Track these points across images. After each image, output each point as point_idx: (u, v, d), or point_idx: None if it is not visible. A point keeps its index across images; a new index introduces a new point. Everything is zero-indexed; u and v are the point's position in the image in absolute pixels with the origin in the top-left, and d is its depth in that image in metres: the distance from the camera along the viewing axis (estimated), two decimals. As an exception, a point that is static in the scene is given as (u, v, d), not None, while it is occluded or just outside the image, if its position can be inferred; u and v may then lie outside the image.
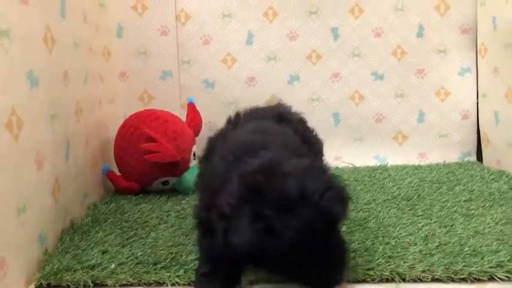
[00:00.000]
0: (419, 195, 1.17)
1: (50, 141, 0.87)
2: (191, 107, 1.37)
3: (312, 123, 1.08)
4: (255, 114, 1.04)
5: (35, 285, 0.76)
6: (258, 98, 1.53)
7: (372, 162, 1.56)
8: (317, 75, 1.56)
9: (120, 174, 1.28)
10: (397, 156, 1.56)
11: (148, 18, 1.49)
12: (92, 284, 0.76)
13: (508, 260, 0.77)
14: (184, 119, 1.36)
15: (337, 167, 1.50)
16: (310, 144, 0.99)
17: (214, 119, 1.49)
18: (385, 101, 1.57)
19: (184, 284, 0.76)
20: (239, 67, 1.54)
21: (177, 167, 1.22)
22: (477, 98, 1.54)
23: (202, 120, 1.39)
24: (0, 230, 0.69)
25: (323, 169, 0.77)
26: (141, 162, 1.20)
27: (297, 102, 1.53)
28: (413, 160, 1.56)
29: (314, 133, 1.07)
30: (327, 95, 1.56)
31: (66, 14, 0.96)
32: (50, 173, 0.86)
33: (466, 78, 1.55)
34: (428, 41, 1.55)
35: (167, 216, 1.07)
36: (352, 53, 1.55)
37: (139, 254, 0.84)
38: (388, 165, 1.53)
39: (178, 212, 1.10)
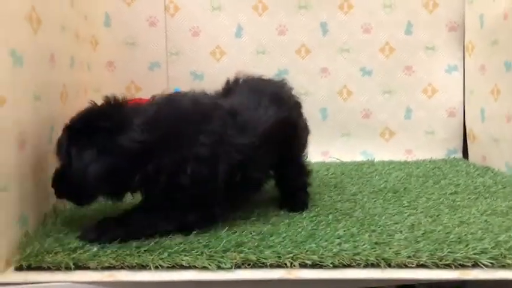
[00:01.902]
0: (405, 188, 1.18)
1: (33, 122, 0.85)
2: (178, 98, 1.36)
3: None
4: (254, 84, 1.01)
5: (15, 266, 0.74)
6: (246, 91, 1.53)
7: (359, 158, 1.56)
8: (306, 70, 1.56)
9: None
10: (384, 152, 1.57)
11: (137, 9, 1.48)
12: (73, 266, 0.74)
13: (492, 247, 0.77)
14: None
15: (324, 162, 1.51)
16: (298, 130, 1.01)
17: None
18: (372, 97, 1.58)
19: (168, 267, 0.74)
20: (228, 60, 1.53)
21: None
22: (464, 96, 1.56)
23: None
24: (-20, 207, 0.68)
25: None
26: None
27: (285, 97, 1.54)
28: (400, 156, 1.57)
29: (305, 121, 1.07)
30: (315, 90, 1.56)
31: (52, -4, 0.95)
32: (32, 154, 0.85)
33: (453, 75, 1.57)
34: (417, 38, 1.56)
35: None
36: (341, 48, 1.56)
37: (122, 238, 0.82)
38: (375, 160, 1.53)
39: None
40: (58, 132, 0.98)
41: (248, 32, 1.53)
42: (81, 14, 1.21)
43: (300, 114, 1.06)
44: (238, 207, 0.96)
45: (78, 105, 1.14)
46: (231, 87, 0.99)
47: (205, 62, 1.52)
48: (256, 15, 1.53)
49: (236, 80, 1.00)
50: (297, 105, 1.05)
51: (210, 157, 0.83)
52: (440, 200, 1.07)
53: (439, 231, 0.86)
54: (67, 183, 0.82)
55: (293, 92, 1.04)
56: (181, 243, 0.80)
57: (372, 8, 1.54)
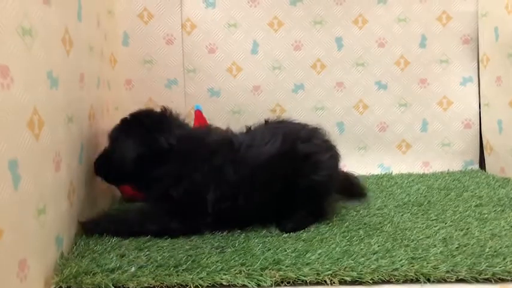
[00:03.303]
0: (429, 201, 1.18)
1: (66, 143, 0.86)
2: (198, 114, 1.36)
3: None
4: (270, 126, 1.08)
5: (54, 288, 0.74)
6: (263, 106, 1.54)
7: (376, 171, 1.56)
8: (321, 85, 1.57)
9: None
10: (401, 165, 1.57)
11: (154, 27, 1.49)
12: (112, 287, 0.74)
13: (530, 260, 0.78)
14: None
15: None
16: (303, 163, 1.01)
17: (219, 128, 1.49)
18: (388, 110, 1.58)
19: (207, 286, 0.74)
20: (244, 76, 1.54)
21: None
22: (479, 107, 1.56)
23: (208, 128, 1.39)
24: (22, 229, 0.68)
25: None
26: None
27: (302, 111, 1.56)
28: (417, 169, 1.57)
29: (326, 164, 1.04)
30: (331, 104, 1.57)
31: (82, 18, 0.96)
32: (66, 175, 0.85)
33: (467, 87, 1.58)
34: (431, 51, 1.57)
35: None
36: (356, 62, 1.57)
37: (158, 257, 0.82)
38: (393, 173, 1.54)
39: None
40: (88, 152, 0.99)
41: (264, 48, 1.54)
42: (103, 33, 1.22)
43: (317, 152, 1.04)
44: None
45: (104, 123, 1.15)
46: (255, 127, 1.09)
47: (222, 79, 1.53)
48: (271, 31, 1.54)
49: (266, 121, 1.11)
50: (314, 143, 1.06)
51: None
52: (467, 212, 1.07)
53: (473, 245, 0.86)
54: (108, 162, 1.01)
55: (320, 135, 1.10)
56: (217, 261, 0.80)
57: (387, 22, 1.56)
